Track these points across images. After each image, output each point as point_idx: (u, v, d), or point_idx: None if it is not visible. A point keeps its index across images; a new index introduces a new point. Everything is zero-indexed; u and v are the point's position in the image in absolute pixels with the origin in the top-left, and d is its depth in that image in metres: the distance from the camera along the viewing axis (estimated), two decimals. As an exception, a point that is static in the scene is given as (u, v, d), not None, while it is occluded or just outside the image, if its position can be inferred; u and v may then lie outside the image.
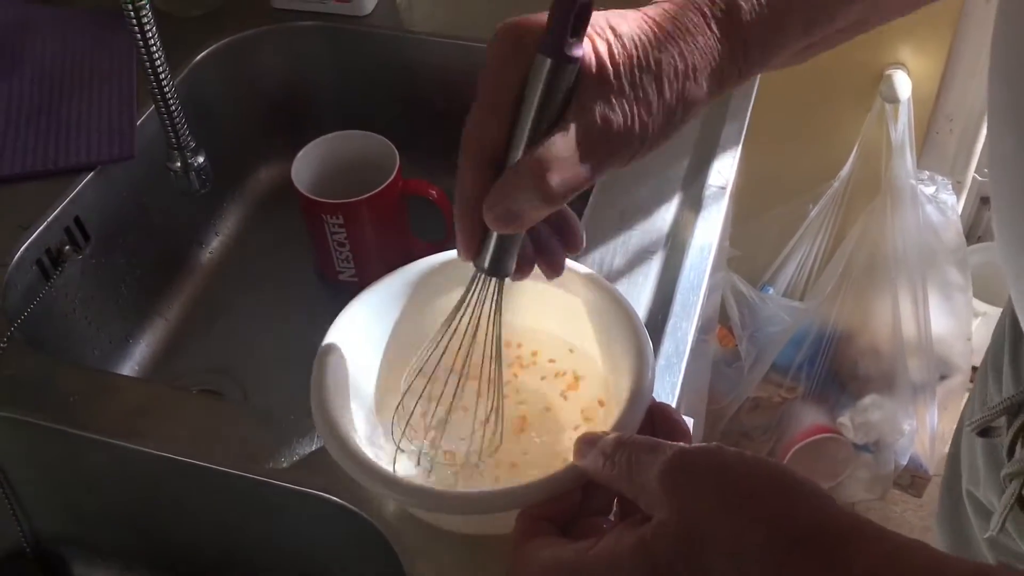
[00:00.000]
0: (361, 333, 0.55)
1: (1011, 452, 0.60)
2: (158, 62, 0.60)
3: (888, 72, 1.25)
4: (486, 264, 0.45)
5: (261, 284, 0.90)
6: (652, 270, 0.68)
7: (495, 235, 0.44)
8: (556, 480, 0.44)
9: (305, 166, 0.83)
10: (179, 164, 0.66)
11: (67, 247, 0.75)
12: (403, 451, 0.52)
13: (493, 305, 0.48)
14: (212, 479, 0.59)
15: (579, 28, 0.40)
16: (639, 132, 0.42)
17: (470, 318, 0.48)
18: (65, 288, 0.76)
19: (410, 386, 0.52)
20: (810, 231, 1.38)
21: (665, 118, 0.42)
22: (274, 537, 0.63)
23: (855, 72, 1.27)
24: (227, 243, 0.94)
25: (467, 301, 0.48)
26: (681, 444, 0.40)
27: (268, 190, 0.98)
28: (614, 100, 0.41)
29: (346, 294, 0.87)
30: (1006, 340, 0.64)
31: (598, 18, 0.42)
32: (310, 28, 0.92)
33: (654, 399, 0.48)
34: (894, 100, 1.23)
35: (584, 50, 0.41)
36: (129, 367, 0.83)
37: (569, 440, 0.50)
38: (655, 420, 0.48)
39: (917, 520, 1.50)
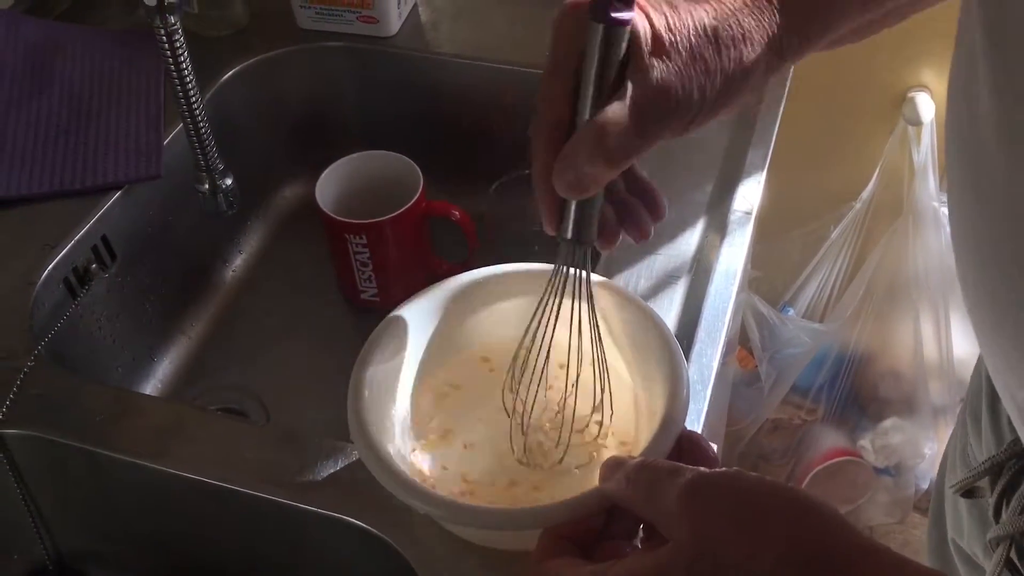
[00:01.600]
0: (398, 346, 0.55)
1: (997, 515, 0.58)
2: (190, 86, 0.60)
3: (911, 95, 1.25)
4: (568, 233, 0.46)
5: (284, 303, 0.91)
6: (677, 295, 0.68)
7: (573, 203, 0.45)
8: (580, 501, 0.45)
9: (329, 186, 0.83)
10: (207, 186, 0.67)
11: (93, 265, 0.75)
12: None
13: (584, 276, 0.48)
14: (235, 500, 0.59)
15: None
16: (697, 97, 0.43)
17: (562, 292, 0.49)
18: (91, 306, 0.76)
19: (515, 370, 0.52)
20: (831, 252, 1.37)
21: (723, 83, 0.43)
22: (297, 560, 0.63)
23: (878, 94, 1.27)
24: (250, 261, 0.94)
25: (556, 277, 0.48)
26: (701, 468, 0.41)
27: (292, 209, 0.98)
28: (671, 65, 0.42)
29: (368, 314, 0.88)
30: (983, 390, 0.61)
31: None
32: (336, 48, 0.92)
33: (685, 427, 0.48)
34: (917, 122, 1.23)
35: (639, 19, 0.42)
36: (152, 385, 0.84)
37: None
38: (683, 448, 0.48)
39: (937, 544, 1.49)
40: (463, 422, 0.56)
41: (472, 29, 0.93)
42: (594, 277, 0.56)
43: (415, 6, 0.95)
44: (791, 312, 1.42)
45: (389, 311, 0.56)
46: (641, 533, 0.46)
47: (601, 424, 0.53)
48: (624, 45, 0.42)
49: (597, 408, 0.53)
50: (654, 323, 0.53)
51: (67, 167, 0.78)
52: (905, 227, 1.29)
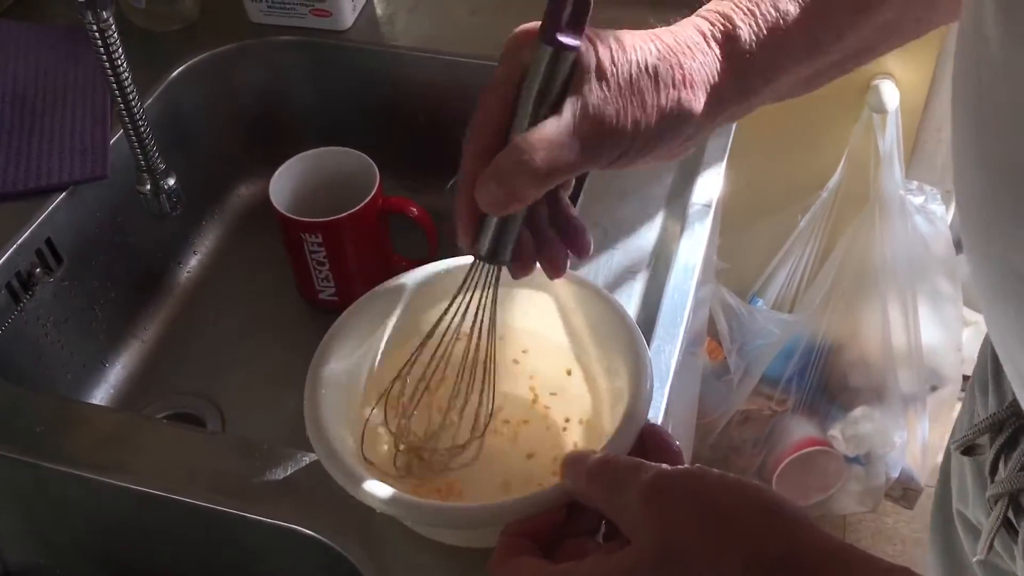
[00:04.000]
0: (356, 343, 0.54)
1: (994, 470, 0.59)
2: (127, 86, 0.58)
3: (875, 82, 1.24)
4: (484, 251, 0.46)
5: (240, 304, 0.89)
6: (636, 290, 0.67)
7: (494, 221, 0.45)
8: (540, 497, 0.44)
9: (283, 184, 0.81)
10: (149, 187, 0.65)
11: (38, 269, 0.73)
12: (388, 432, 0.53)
13: (489, 294, 0.48)
14: (183, 512, 0.57)
15: (579, 20, 0.42)
16: (631, 129, 0.44)
17: (467, 307, 0.49)
18: (36, 311, 0.74)
19: (401, 372, 0.52)
20: (799, 242, 1.37)
21: (658, 122, 0.44)
22: (247, 569, 0.61)
23: (842, 82, 1.25)
24: (205, 262, 0.92)
25: (464, 289, 0.49)
26: (663, 465, 0.40)
27: (247, 208, 0.96)
28: (609, 95, 0.43)
29: (327, 314, 0.86)
30: (989, 357, 0.63)
31: (604, 31, 0.45)
32: (289, 43, 0.90)
33: (648, 421, 0.48)
34: (882, 110, 1.23)
35: (585, 48, 0.43)
36: (104, 391, 0.81)
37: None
38: (646, 442, 0.47)
39: (909, 532, 1.49)
40: (424, 416, 0.55)
41: (429, 21, 0.91)
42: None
43: (370, -1, 0.93)
44: (760, 303, 1.42)
45: (340, 315, 0.55)
46: (603, 528, 0.45)
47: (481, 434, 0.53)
48: (567, 70, 0.43)
49: (476, 438, 0.52)
50: (618, 316, 0.53)
51: (9, 168, 0.75)
52: (872, 216, 1.29)
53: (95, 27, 0.54)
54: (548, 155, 0.42)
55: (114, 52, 0.56)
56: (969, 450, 0.63)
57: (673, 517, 0.37)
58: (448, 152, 0.91)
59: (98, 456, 0.59)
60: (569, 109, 0.42)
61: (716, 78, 0.45)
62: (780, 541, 0.35)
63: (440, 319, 0.50)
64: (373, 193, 0.80)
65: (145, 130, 0.61)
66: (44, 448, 0.59)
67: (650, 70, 0.44)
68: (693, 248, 0.68)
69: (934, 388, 1.40)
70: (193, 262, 0.91)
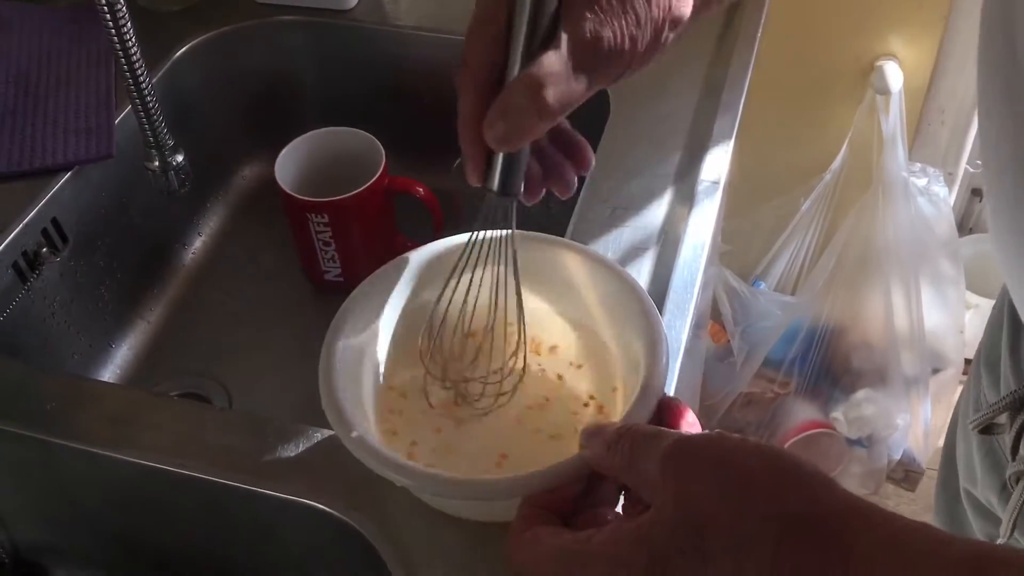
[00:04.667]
0: (370, 317, 0.54)
1: (1015, 450, 0.59)
2: (135, 59, 0.58)
3: (879, 64, 1.24)
4: (495, 185, 0.46)
5: (245, 285, 0.89)
6: (645, 267, 0.66)
7: (500, 156, 0.45)
8: (560, 469, 0.44)
9: (289, 164, 0.81)
10: (157, 163, 0.65)
11: (44, 249, 0.73)
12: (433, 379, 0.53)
13: (507, 231, 0.48)
14: (194, 487, 0.57)
15: None
16: (628, 47, 0.43)
17: (485, 243, 0.49)
18: (43, 291, 0.74)
19: (431, 322, 0.52)
20: (802, 225, 1.37)
21: (653, 35, 0.44)
22: (259, 545, 0.61)
23: (846, 64, 1.26)
24: (210, 243, 0.92)
25: (481, 226, 0.48)
26: (682, 432, 0.40)
27: (252, 188, 0.96)
28: (603, 16, 0.42)
29: (332, 294, 0.85)
30: (1004, 334, 0.63)
31: None
32: (293, 23, 0.90)
33: (664, 393, 0.48)
34: (885, 92, 1.22)
35: None
36: (110, 371, 0.81)
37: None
38: (663, 414, 0.47)
39: (911, 514, 1.49)
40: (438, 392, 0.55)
41: (432, 1, 0.91)
42: (573, 243, 0.56)
43: (374, -22, 0.93)
44: (762, 286, 1.42)
45: (353, 290, 0.55)
46: (622, 499, 0.45)
47: (523, 370, 0.53)
48: None
49: (514, 354, 0.53)
50: (633, 290, 0.52)
51: (14, 148, 0.75)
52: (875, 198, 1.29)
53: (104, 2, 0.54)
54: (555, 90, 0.42)
55: (123, 27, 0.56)
56: (986, 429, 0.63)
57: (692, 480, 0.37)
58: (453, 132, 0.91)
59: (109, 432, 0.58)
60: (566, 39, 0.42)
61: None
62: (799, 501, 0.35)
63: (461, 255, 0.50)
64: (379, 173, 0.80)
65: (154, 106, 0.61)
66: (55, 425, 0.59)
67: None
68: (702, 225, 0.68)
69: (936, 370, 1.40)
70: (198, 243, 0.91)
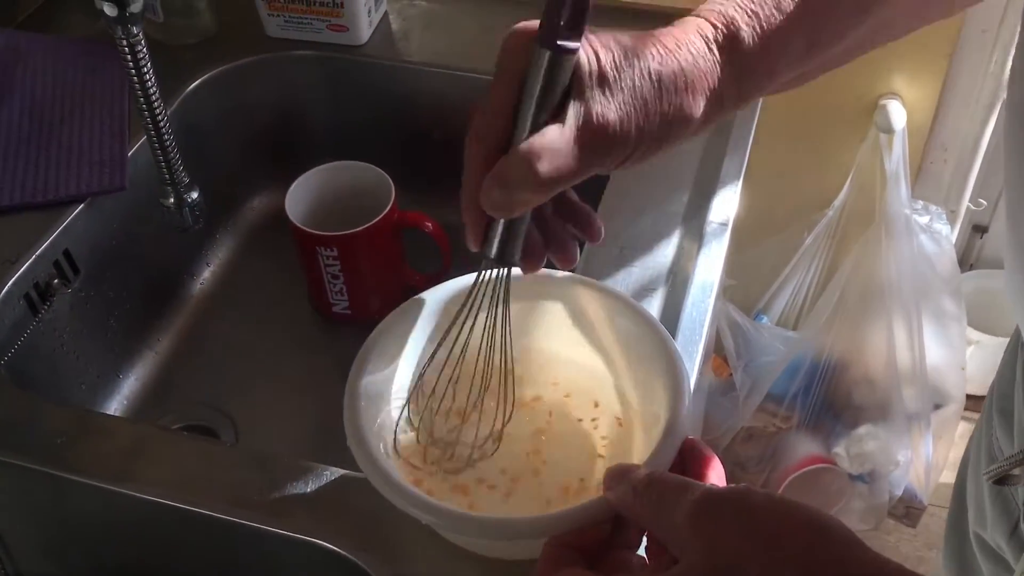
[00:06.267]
0: (393, 354, 0.54)
1: None
2: (154, 98, 0.58)
3: (883, 102, 1.25)
4: (492, 252, 0.46)
5: (253, 317, 0.89)
6: (653, 307, 0.67)
7: (500, 223, 0.46)
8: (585, 510, 0.44)
9: (299, 197, 0.82)
10: (172, 200, 0.65)
11: (56, 280, 0.73)
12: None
13: (500, 295, 0.49)
14: (200, 524, 0.57)
15: (577, 22, 0.41)
16: (634, 135, 0.43)
17: (478, 310, 0.49)
18: (53, 323, 0.74)
19: (419, 380, 0.53)
20: (804, 260, 1.37)
21: (660, 128, 0.44)
22: (267, 583, 0.61)
23: (850, 102, 1.27)
24: (219, 275, 0.92)
25: (474, 294, 0.49)
26: (710, 485, 0.40)
27: (261, 221, 0.97)
28: (611, 101, 0.43)
29: (340, 327, 0.86)
30: (1018, 381, 0.63)
31: (605, 34, 0.44)
32: (305, 57, 0.91)
33: (688, 436, 0.48)
34: (888, 130, 1.23)
35: (586, 51, 0.42)
36: (117, 402, 0.82)
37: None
38: (685, 455, 0.47)
39: (911, 550, 1.49)
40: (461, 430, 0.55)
41: (443, 38, 0.92)
42: (591, 281, 0.56)
43: (385, 14, 0.94)
44: (765, 320, 1.42)
45: (361, 324, 0.55)
46: (644, 541, 0.45)
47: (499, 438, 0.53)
48: (568, 74, 0.42)
49: (496, 432, 0.53)
50: (656, 332, 0.53)
51: (28, 179, 0.76)
52: (878, 234, 1.29)
53: (125, 42, 0.55)
54: (551, 164, 0.42)
55: (143, 66, 0.56)
56: (1000, 479, 0.63)
57: (722, 537, 0.37)
58: (462, 167, 0.92)
59: (117, 467, 0.58)
60: (572, 116, 0.42)
61: (717, 82, 0.45)
62: (829, 563, 0.35)
63: (454, 321, 0.51)
64: (388, 207, 0.80)
65: (170, 143, 0.62)
66: (63, 459, 0.59)
67: (652, 76, 0.43)
68: (710, 266, 0.69)
69: (938, 406, 1.40)
70: (207, 274, 0.92)
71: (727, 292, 1.35)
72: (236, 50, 0.90)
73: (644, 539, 0.45)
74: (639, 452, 0.52)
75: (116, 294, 0.81)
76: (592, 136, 0.42)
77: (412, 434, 0.55)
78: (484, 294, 0.49)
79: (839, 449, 1.39)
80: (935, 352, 1.35)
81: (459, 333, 0.50)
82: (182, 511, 0.57)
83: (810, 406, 1.40)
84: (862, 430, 1.39)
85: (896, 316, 1.32)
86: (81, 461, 0.59)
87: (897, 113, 1.24)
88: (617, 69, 0.43)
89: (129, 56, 0.55)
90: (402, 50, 0.91)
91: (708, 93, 0.45)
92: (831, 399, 1.41)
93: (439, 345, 0.52)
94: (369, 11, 0.90)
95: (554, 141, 0.42)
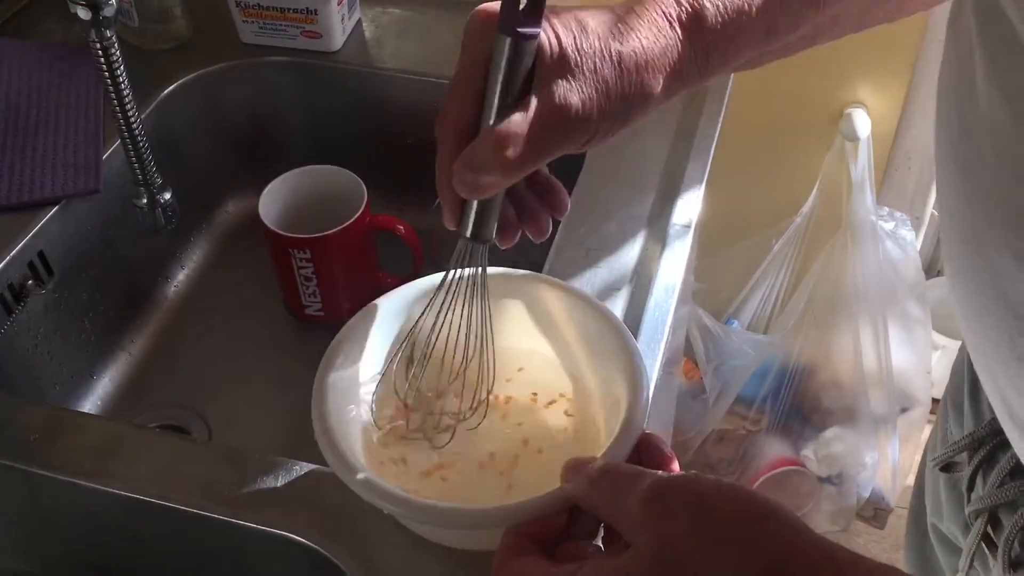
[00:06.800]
0: (360, 350, 0.56)
1: (971, 486, 0.62)
2: (127, 100, 0.60)
3: (848, 111, 1.28)
4: (468, 231, 0.48)
5: (227, 319, 0.90)
6: (618, 306, 0.69)
7: (474, 203, 0.47)
8: (543, 501, 0.46)
9: (272, 200, 0.83)
10: (145, 201, 0.66)
11: (30, 282, 0.74)
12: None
13: (479, 273, 0.50)
14: (173, 518, 0.58)
15: (536, 6, 0.42)
16: (596, 116, 0.44)
17: (460, 283, 0.51)
18: (27, 323, 0.75)
19: (397, 355, 0.54)
20: (773, 266, 1.40)
21: (622, 107, 0.45)
22: (238, 577, 0.62)
23: (816, 111, 1.30)
24: (193, 277, 0.93)
25: (452, 272, 0.50)
26: (661, 472, 0.42)
27: (235, 224, 0.98)
28: (573, 83, 0.43)
29: (313, 329, 0.87)
30: (965, 377, 0.65)
31: (566, 13, 0.45)
32: (279, 63, 0.92)
33: (644, 431, 0.50)
34: (854, 138, 1.26)
35: (547, 33, 0.43)
36: (91, 403, 0.82)
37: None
38: (641, 449, 0.49)
39: (880, 551, 1.52)
40: (428, 421, 0.57)
41: (416, 45, 0.93)
42: (552, 279, 0.58)
43: (359, 22, 0.95)
44: (736, 324, 1.45)
45: (334, 327, 0.56)
46: (601, 532, 0.47)
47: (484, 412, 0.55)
48: (530, 59, 0.43)
49: (480, 402, 0.54)
50: (614, 327, 0.54)
51: (3, 182, 0.76)
52: (844, 241, 1.32)
53: (99, 45, 0.56)
54: (516, 149, 0.43)
55: (116, 69, 0.58)
56: (947, 467, 0.65)
57: (670, 521, 0.39)
58: (433, 172, 0.94)
59: (91, 464, 0.59)
60: (535, 101, 0.43)
61: (677, 59, 0.46)
62: (773, 546, 0.37)
63: (434, 297, 0.52)
64: (361, 211, 0.82)
65: (144, 146, 0.63)
66: (36, 456, 0.60)
67: (613, 57, 0.44)
68: (673, 267, 0.71)
69: (904, 410, 1.43)
70: (181, 276, 0.93)
71: (698, 297, 1.38)
72: (211, 55, 0.91)
73: (602, 530, 0.47)
74: (600, 445, 0.53)
75: (90, 296, 0.82)
76: (556, 119, 0.43)
77: (392, 409, 0.56)
78: (462, 271, 0.50)
79: (808, 451, 1.42)
80: (901, 356, 1.38)
81: (440, 306, 0.52)
82: (155, 506, 0.58)
83: (779, 409, 1.42)
84: (830, 433, 1.41)
85: (863, 321, 1.35)
86: (55, 458, 0.60)
87: (862, 122, 1.26)
88: (578, 51, 0.44)
89: (103, 58, 0.56)
90: (375, 57, 0.92)
91: (668, 70, 0.46)
92: (800, 402, 1.43)
93: (422, 315, 0.53)
94: (343, 18, 0.91)
95: (519, 126, 0.43)
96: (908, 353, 1.39)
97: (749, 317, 1.45)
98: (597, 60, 0.44)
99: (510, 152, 0.43)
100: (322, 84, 0.93)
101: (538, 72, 0.44)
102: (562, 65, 0.43)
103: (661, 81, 0.45)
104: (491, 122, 0.44)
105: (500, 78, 0.43)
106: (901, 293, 1.35)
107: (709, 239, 1.25)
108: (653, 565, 0.38)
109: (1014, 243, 0.45)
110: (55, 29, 0.93)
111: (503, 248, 0.52)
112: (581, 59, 0.44)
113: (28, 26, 0.94)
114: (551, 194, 0.52)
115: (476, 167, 0.44)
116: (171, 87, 0.88)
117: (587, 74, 0.44)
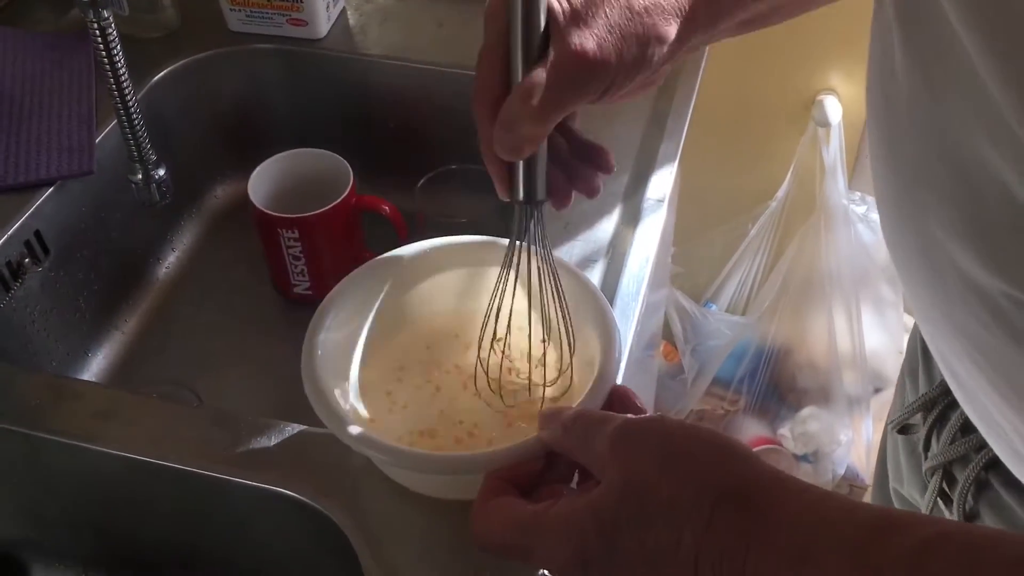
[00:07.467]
0: (348, 315, 0.59)
1: (927, 446, 0.65)
2: (123, 78, 0.62)
3: (819, 98, 1.31)
4: (520, 195, 0.50)
5: (217, 298, 0.93)
6: (594, 277, 0.72)
7: (520, 168, 0.49)
8: (521, 447, 0.49)
9: (261, 182, 0.85)
10: (140, 176, 0.69)
11: (27, 260, 0.76)
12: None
13: (539, 234, 0.52)
14: (170, 477, 0.60)
15: None
16: (614, 59, 0.47)
17: (522, 254, 0.53)
18: (24, 300, 0.77)
19: (487, 319, 0.56)
20: (750, 249, 1.43)
21: (638, 50, 0.48)
22: (234, 535, 0.65)
23: (789, 97, 1.34)
24: (183, 259, 0.96)
25: (515, 237, 0.52)
26: (629, 415, 0.45)
27: (224, 207, 1.00)
28: (587, 31, 0.46)
29: (301, 307, 0.89)
30: (919, 342, 0.69)
31: None
32: (266, 50, 0.95)
33: (616, 384, 0.53)
34: (826, 124, 1.30)
35: None
36: (86, 379, 0.85)
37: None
38: (614, 402, 0.52)
39: (856, 529, 1.55)
40: (412, 386, 0.60)
41: (399, 31, 0.96)
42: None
43: (344, 10, 0.98)
44: (714, 308, 1.48)
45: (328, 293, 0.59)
46: (576, 477, 0.50)
47: (558, 369, 0.58)
48: (542, 15, 0.46)
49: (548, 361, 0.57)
50: (587, 288, 0.58)
51: (-1, 164, 0.79)
52: (817, 225, 1.36)
53: (96, 24, 0.59)
54: (541, 98, 0.46)
55: (113, 47, 0.60)
56: (904, 429, 0.69)
57: (636, 458, 0.42)
58: (416, 154, 0.97)
59: (90, 427, 0.62)
60: (552, 53, 0.46)
61: (686, 2, 0.48)
62: (732, 475, 0.40)
63: (502, 269, 0.54)
64: (347, 191, 0.84)
65: (138, 121, 0.65)
66: (38, 420, 0.62)
67: (622, 2, 0.47)
68: (648, 239, 0.74)
69: (877, 390, 1.47)
70: (172, 258, 0.95)
71: (676, 280, 1.41)
72: (199, 43, 0.94)
73: (577, 475, 0.50)
74: (576, 398, 0.56)
75: (85, 275, 0.84)
76: (575, 66, 0.46)
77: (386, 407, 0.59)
78: (523, 240, 0.52)
79: (784, 430, 1.45)
80: (874, 337, 1.42)
81: (506, 280, 0.54)
82: (152, 465, 0.60)
83: (756, 390, 1.46)
84: (806, 412, 1.45)
85: (836, 303, 1.39)
86: (55, 421, 0.62)
87: (833, 108, 1.30)
88: (588, 3, 0.46)
89: (100, 37, 0.59)
90: (359, 44, 0.95)
91: (679, 13, 0.48)
92: (776, 383, 1.47)
93: (498, 288, 0.55)
94: (328, 6, 0.94)
95: (540, 76, 0.46)
96: (880, 334, 1.43)
97: (727, 301, 1.48)
98: (607, 7, 0.47)
99: (535, 101, 0.46)
100: (308, 71, 0.95)
101: (554, 29, 0.47)
102: (575, 18, 0.46)
103: (674, 25, 0.48)
104: (518, 81, 0.47)
105: (519, 41, 0.46)
106: (873, 276, 1.39)
107: (687, 224, 1.28)
108: (621, 498, 0.41)
109: (937, 212, 0.48)
110: (47, 18, 0.96)
111: (558, 210, 0.55)
112: (592, 9, 0.47)
113: (20, 15, 0.96)
114: (596, 155, 0.55)
115: (508, 124, 0.47)
116: (160, 74, 0.91)
117: (599, 21, 0.46)
